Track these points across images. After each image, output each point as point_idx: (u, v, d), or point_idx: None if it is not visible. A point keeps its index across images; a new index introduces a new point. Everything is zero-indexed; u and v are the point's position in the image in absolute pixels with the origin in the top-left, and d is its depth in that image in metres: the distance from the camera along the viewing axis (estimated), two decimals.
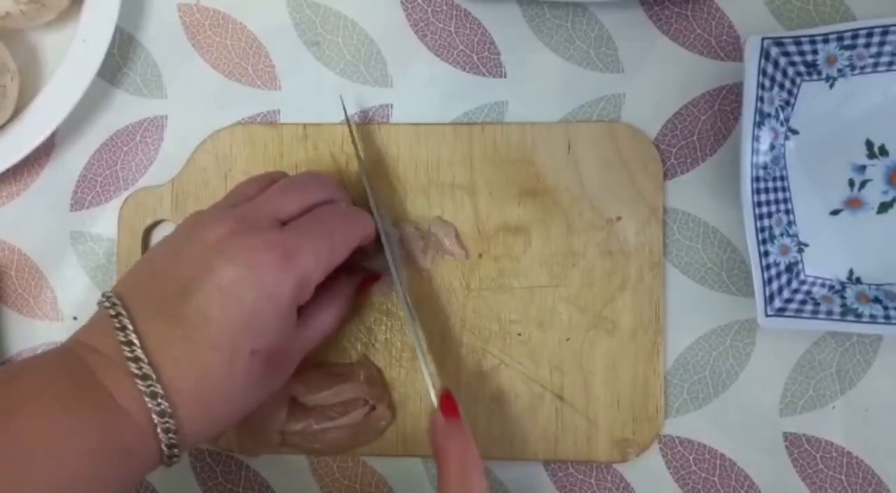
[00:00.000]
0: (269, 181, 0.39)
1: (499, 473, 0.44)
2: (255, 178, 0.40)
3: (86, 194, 0.47)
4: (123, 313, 0.33)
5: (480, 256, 0.44)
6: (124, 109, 0.47)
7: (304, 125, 0.45)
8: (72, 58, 0.44)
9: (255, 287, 0.33)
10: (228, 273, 0.33)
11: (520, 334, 0.43)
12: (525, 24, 0.45)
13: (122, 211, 0.45)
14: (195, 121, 0.46)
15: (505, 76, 0.45)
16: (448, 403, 0.37)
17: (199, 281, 0.33)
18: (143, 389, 0.31)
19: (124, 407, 0.31)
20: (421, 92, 0.46)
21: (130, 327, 0.32)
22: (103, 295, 0.34)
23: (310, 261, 0.34)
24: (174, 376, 0.32)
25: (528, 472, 0.44)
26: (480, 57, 0.45)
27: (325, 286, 0.37)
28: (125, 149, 0.47)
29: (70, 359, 0.32)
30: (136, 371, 0.31)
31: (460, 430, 0.36)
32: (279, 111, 0.46)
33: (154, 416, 0.32)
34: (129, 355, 0.32)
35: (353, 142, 0.43)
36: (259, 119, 0.46)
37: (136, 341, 0.32)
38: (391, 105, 0.46)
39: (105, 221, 0.46)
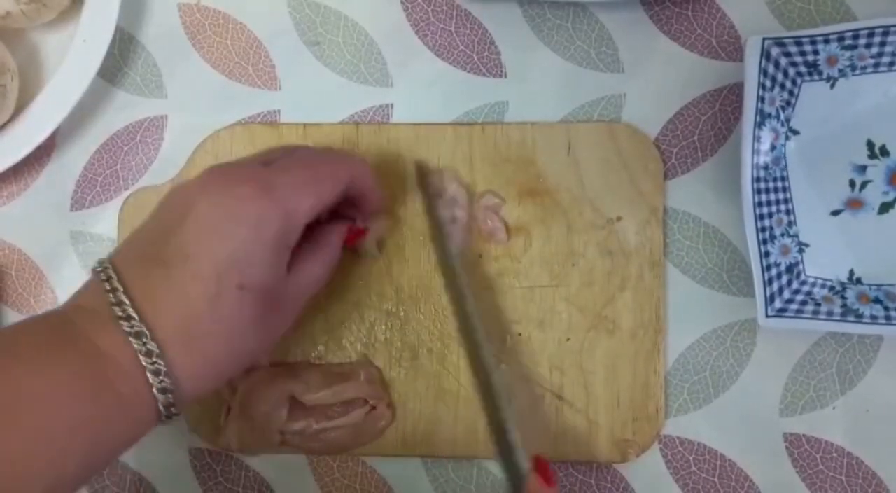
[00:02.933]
0: None
1: (499, 473, 0.44)
2: None
3: (86, 194, 0.47)
4: (108, 265, 0.33)
5: (480, 256, 0.44)
6: (124, 109, 0.47)
7: (304, 125, 0.45)
8: (72, 58, 0.44)
9: (235, 219, 0.32)
10: (208, 208, 0.33)
11: (520, 334, 0.43)
12: (525, 24, 0.45)
13: (123, 211, 0.45)
14: (195, 121, 0.46)
15: (505, 76, 0.45)
16: (545, 471, 0.34)
17: (180, 221, 0.33)
18: (127, 330, 0.31)
19: (109, 353, 0.31)
20: (421, 92, 0.46)
21: (113, 274, 0.32)
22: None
23: (291, 193, 0.34)
24: (158, 314, 0.31)
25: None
26: (480, 57, 0.45)
27: (311, 236, 0.37)
28: (125, 149, 0.47)
29: (53, 316, 0.33)
30: (119, 314, 0.31)
31: None
32: (279, 111, 0.46)
33: (141, 358, 0.31)
34: (112, 300, 0.31)
35: (428, 210, 0.43)
36: (259, 119, 0.46)
37: (118, 286, 0.32)
38: (391, 105, 0.46)
39: (105, 221, 0.46)
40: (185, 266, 0.32)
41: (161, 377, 0.31)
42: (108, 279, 0.32)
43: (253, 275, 0.33)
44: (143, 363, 0.31)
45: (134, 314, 0.31)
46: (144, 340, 0.31)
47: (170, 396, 0.31)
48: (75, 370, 0.30)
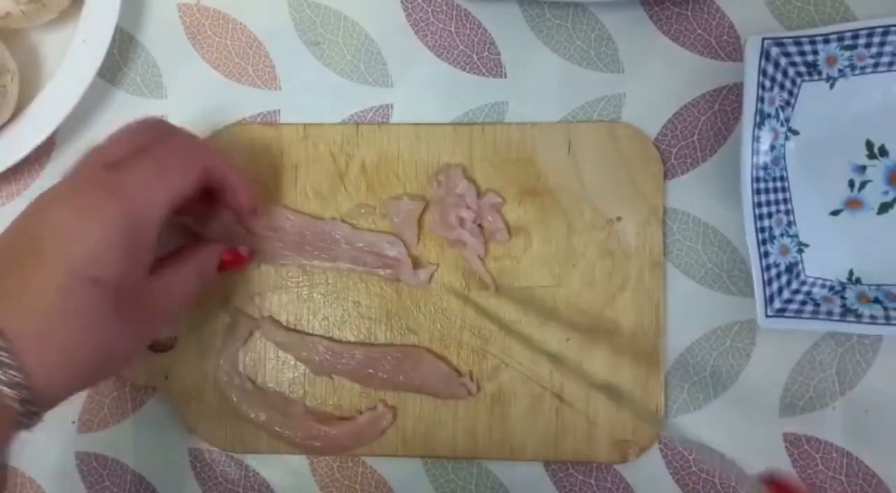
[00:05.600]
0: None
1: (499, 473, 0.44)
2: None
3: None
4: None
5: (481, 256, 0.44)
6: (124, 109, 0.47)
7: (304, 125, 0.45)
8: (72, 58, 0.44)
9: (87, 220, 0.33)
10: (60, 213, 0.33)
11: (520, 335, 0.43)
12: (525, 24, 0.45)
13: None
14: (195, 121, 0.46)
15: (505, 76, 0.45)
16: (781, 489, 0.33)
17: (36, 226, 0.33)
18: None
19: None
20: (421, 92, 0.46)
21: None
22: None
23: (140, 191, 0.34)
24: (8, 308, 0.31)
25: (528, 472, 0.44)
26: (480, 57, 0.45)
27: (192, 248, 0.39)
28: None
29: None
30: None
31: None
32: (279, 111, 0.46)
33: None
34: None
35: None
36: (259, 119, 0.46)
37: None
38: (391, 105, 0.46)
39: None
40: (38, 264, 0.32)
41: (11, 372, 0.30)
42: None
43: (105, 271, 0.33)
44: None
45: None
46: None
47: (23, 391, 0.31)
48: None
